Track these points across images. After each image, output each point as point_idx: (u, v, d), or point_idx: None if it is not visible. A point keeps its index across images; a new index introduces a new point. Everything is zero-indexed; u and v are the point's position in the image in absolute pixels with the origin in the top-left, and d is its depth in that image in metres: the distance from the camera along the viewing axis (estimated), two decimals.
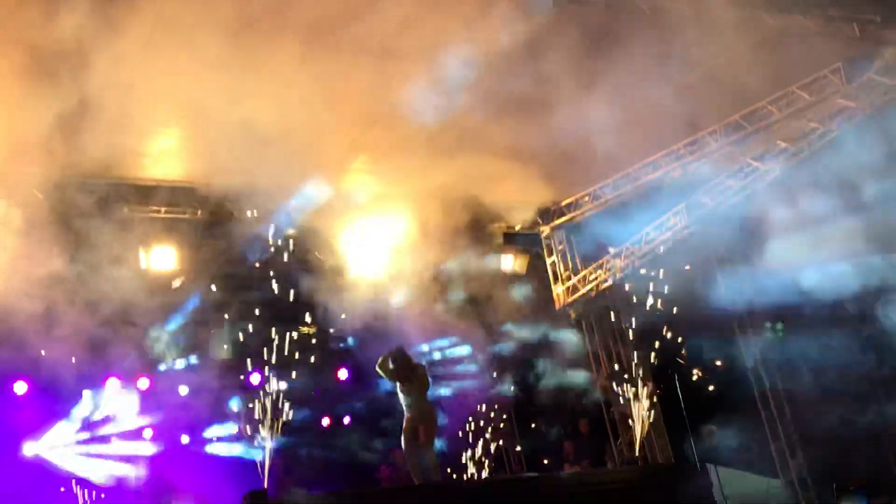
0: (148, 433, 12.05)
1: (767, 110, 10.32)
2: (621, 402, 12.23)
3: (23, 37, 7.60)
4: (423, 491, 8.06)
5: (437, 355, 12.21)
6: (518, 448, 13.20)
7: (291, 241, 10.84)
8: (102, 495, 11.29)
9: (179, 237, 10.70)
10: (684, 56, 8.84)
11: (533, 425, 13.11)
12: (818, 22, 9.03)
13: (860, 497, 9.46)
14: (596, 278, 12.32)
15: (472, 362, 12.59)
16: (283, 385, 11.64)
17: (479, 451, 12.36)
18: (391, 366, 8.37)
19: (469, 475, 12.17)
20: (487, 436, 12.59)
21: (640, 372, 12.02)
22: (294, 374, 11.67)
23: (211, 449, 12.49)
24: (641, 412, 11.84)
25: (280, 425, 11.16)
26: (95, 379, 11.44)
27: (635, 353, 12.09)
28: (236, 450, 12.27)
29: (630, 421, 12.01)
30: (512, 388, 12.98)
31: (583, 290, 12.34)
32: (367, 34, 8.19)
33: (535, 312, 12.34)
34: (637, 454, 11.60)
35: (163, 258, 10.73)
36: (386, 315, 11.01)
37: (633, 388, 11.98)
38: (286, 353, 11.13)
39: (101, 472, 11.56)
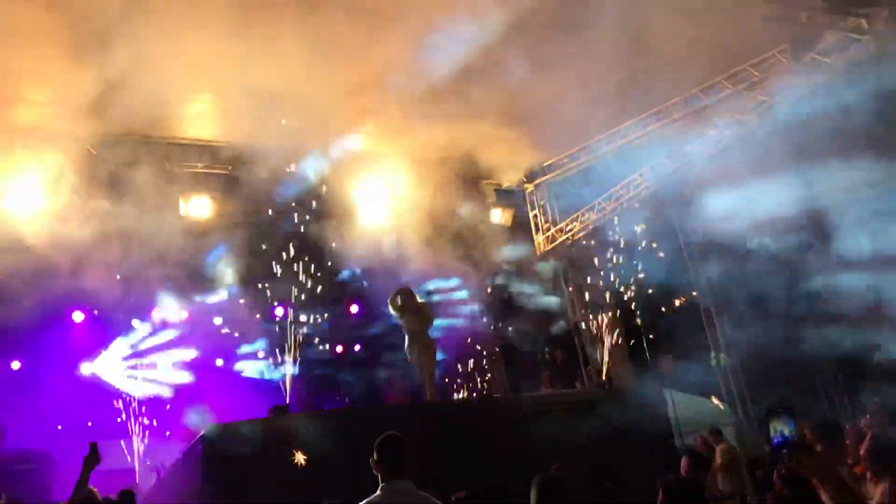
0: (186, 356, 12.22)
1: (723, 84, 10.71)
2: (591, 334, 12.50)
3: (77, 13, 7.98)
4: (417, 407, 8.25)
5: (437, 296, 12.02)
6: (502, 375, 13.37)
7: (311, 194, 11.10)
8: (143, 408, 11.75)
9: (213, 189, 11.04)
10: (648, 36, 9.27)
11: (516, 356, 13.28)
12: (772, 6, 9.27)
13: (788, 418, 9.83)
14: (572, 229, 12.67)
15: (466, 302, 12.57)
16: (304, 317, 11.94)
17: (470, 378, 12.59)
18: (399, 301, 8.33)
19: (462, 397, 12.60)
20: (478, 366, 12.81)
21: (608, 309, 12.36)
22: (313, 309, 11.81)
23: (242, 371, 12.72)
24: (608, 343, 12.13)
25: (300, 352, 11.38)
26: (142, 310, 11.79)
27: (606, 294, 12.36)
28: (264, 372, 12.52)
29: (598, 351, 12.31)
30: (499, 324, 13.13)
31: (560, 239, 12.69)
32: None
33: (520, 259, 12.49)
34: (604, 379, 11.73)
35: (199, 207, 11.06)
36: (393, 258, 11.08)
37: (602, 323, 12.23)
38: (307, 291, 11.24)
39: (145, 389, 11.90)
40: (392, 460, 3.25)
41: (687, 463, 5.42)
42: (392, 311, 8.43)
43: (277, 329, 11.58)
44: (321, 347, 12.55)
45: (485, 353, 12.84)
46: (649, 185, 11.20)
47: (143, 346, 11.99)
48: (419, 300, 8.53)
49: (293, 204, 10.97)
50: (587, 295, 12.59)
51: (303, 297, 11.25)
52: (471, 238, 11.79)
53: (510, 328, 12.99)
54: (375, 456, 3.30)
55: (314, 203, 11.01)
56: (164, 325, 12.01)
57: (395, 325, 9.30)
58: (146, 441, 11.27)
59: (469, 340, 12.77)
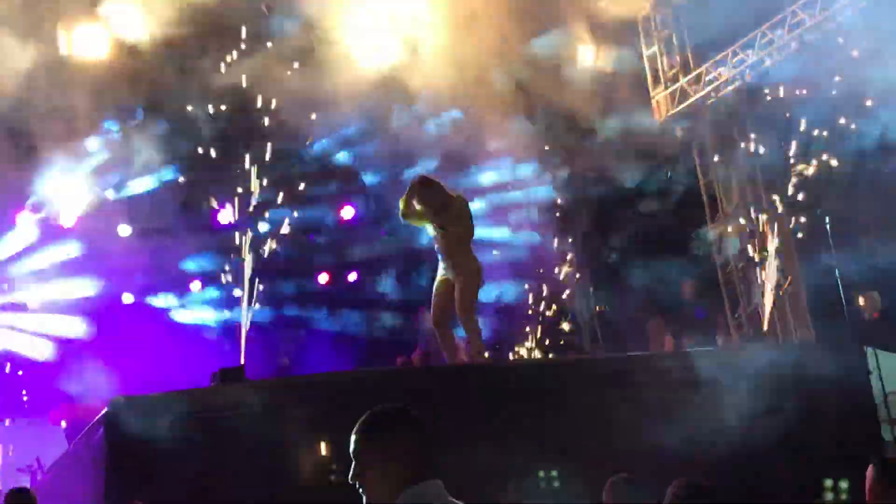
0: (78, 290, 12.03)
1: None
2: (744, 257, 11.73)
3: None
4: (450, 371, 7.91)
5: (488, 194, 12.01)
6: (590, 320, 13.08)
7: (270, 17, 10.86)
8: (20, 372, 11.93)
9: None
10: None
11: (613, 291, 12.85)
12: None
13: None
14: (716, 79, 11.82)
15: (532, 203, 12.48)
16: (264, 226, 11.69)
17: (539, 324, 12.46)
18: (419, 198, 8.09)
19: (524, 356, 12.24)
20: (550, 307, 12.60)
21: (775, 219, 11.35)
22: (282, 212, 11.69)
23: (167, 313, 12.62)
24: (774, 273, 11.28)
25: (261, 283, 11.30)
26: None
27: (773, 196, 11.46)
28: (204, 315, 12.49)
29: (755, 283, 11.52)
30: (586, 239, 12.86)
31: (695, 97, 12.02)
32: None
33: (625, 128, 11.93)
34: (765, 329, 11.20)
35: (91, 41, 10.70)
36: (413, 127, 10.78)
37: (763, 241, 11.43)
38: (266, 180, 11.11)
39: (9, 343, 11.90)
40: (410, 453, 3.12)
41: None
42: (406, 216, 8.29)
43: (225, 246, 11.44)
44: (296, 276, 12.37)
45: (567, 283, 12.67)
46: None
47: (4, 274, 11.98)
48: (452, 195, 8.27)
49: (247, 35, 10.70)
50: (737, 190, 11.83)
51: (263, 191, 11.12)
52: (546, 94, 11.26)
53: (608, 248, 12.58)
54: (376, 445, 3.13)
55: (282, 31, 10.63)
56: (41, 237, 11.83)
57: (416, 244, 9.35)
58: (12, 425, 11.53)
59: (540, 268, 12.61)
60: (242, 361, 10.04)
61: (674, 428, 6.85)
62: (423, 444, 3.22)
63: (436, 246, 8.26)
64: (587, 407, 7.11)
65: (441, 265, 8.23)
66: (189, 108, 11.09)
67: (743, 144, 11.92)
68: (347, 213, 12.96)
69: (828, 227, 10.37)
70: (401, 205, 8.23)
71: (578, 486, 6.20)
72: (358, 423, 3.23)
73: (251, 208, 11.37)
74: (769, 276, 11.41)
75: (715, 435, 7.00)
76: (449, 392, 6.89)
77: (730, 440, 6.97)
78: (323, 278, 13.22)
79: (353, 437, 3.25)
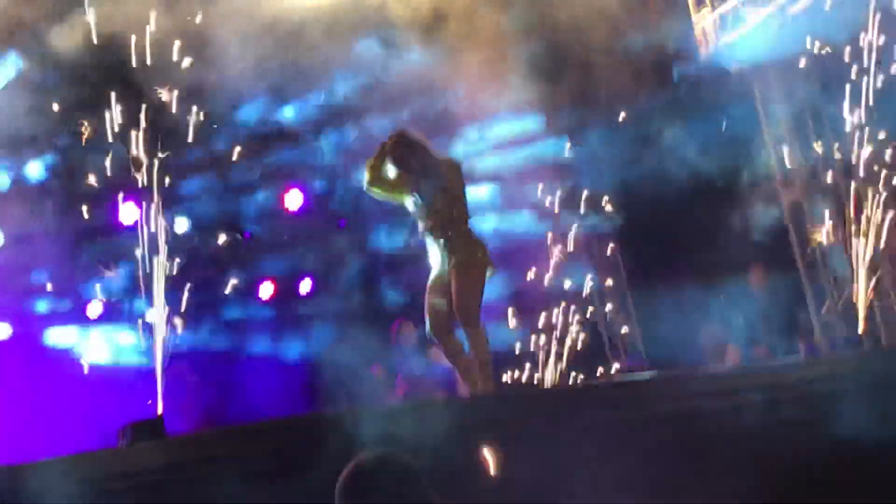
0: None
1: None
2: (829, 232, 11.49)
3: None
4: (453, 405, 8.03)
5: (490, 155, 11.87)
6: (627, 327, 13.28)
7: None
8: None
9: None
10: None
11: (657, 282, 12.68)
12: None
13: None
14: None
15: (545, 167, 12.41)
16: (184, 223, 11.74)
17: (559, 329, 12.49)
18: (392, 163, 8.16)
19: (537, 376, 12.26)
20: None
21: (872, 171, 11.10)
22: (201, 202, 11.75)
23: (59, 349, 12.19)
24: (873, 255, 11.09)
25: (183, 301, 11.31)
26: None
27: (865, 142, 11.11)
28: (102, 352, 12.14)
29: (850, 268, 11.28)
30: (617, 212, 12.89)
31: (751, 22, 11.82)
32: None
33: (659, 63, 12.05)
34: (863, 330, 10.97)
35: None
36: (388, 69, 10.97)
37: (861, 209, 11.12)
38: (182, 160, 11.08)
39: None
40: None
41: None
42: (374, 185, 8.28)
43: (129, 252, 11.10)
44: (228, 281, 12.30)
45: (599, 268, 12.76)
46: None
47: None
48: (439, 157, 8.31)
49: None
50: (819, 142, 11.67)
51: (177, 174, 11.06)
52: (560, 23, 11.10)
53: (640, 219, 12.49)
54: None
55: None
56: None
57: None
58: None
59: (560, 251, 12.64)
60: (160, 411, 9.95)
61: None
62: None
63: (420, 229, 8.20)
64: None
65: (431, 254, 8.16)
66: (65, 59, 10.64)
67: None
68: (294, 199, 12.64)
69: None
70: (367, 171, 8.13)
71: None
72: (339, 480, 3.20)
73: (158, 202, 11.08)
74: (863, 256, 11.34)
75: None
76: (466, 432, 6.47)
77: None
78: (266, 290, 12.86)
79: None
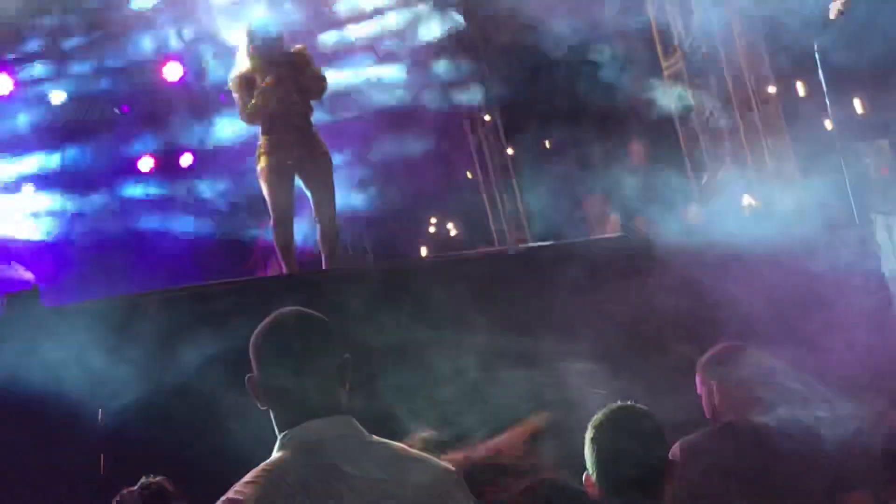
0: None
1: None
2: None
3: None
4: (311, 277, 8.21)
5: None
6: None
7: None
8: None
9: None
10: None
11: (541, 157, 12.60)
12: None
13: None
14: None
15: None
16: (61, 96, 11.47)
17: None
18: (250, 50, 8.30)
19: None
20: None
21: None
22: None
23: None
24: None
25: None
26: None
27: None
28: None
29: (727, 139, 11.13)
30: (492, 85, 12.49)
31: None
32: None
33: None
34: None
35: None
36: None
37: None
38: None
39: None
40: (296, 377, 3.09)
41: None
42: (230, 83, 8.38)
43: None
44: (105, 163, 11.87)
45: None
46: None
47: None
48: (295, 47, 8.43)
49: None
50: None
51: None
52: None
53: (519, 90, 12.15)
54: (258, 368, 3.15)
55: None
56: None
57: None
58: None
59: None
60: (33, 278, 9.90)
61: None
62: (312, 361, 3.10)
63: (279, 122, 8.16)
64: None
65: (286, 146, 8.13)
66: None
67: None
68: (172, 71, 12.12)
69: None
70: (234, 78, 8.20)
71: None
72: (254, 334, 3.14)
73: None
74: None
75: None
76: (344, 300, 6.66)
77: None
78: (146, 164, 12.62)
79: None
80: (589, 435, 3.68)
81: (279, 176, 8.08)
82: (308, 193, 8.29)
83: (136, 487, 4.16)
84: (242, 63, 8.29)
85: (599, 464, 3.59)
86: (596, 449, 3.63)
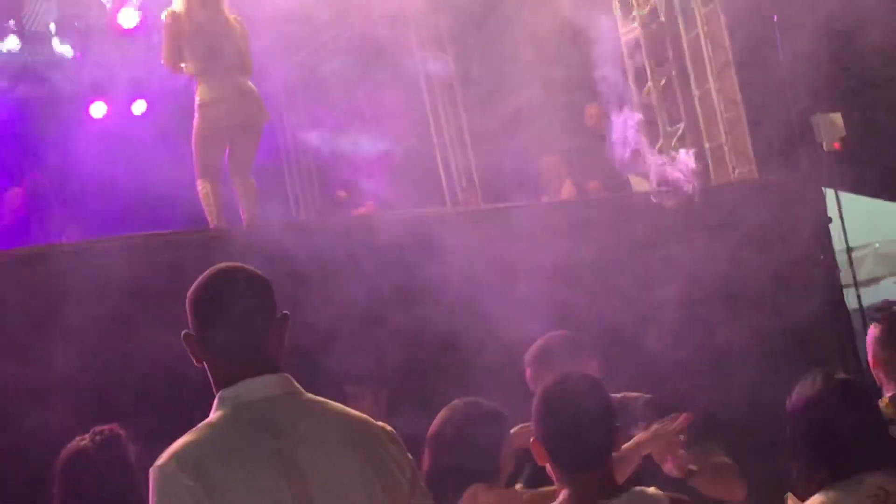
0: None
1: None
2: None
3: None
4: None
5: None
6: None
7: None
8: None
9: None
10: None
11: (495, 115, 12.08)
12: None
13: None
14: None
15: None
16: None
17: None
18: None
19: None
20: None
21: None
22: None
23: None
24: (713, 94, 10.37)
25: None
26: None
27: None
28: None
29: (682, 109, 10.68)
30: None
31: None
32: None
33: None
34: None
35: None
36: None
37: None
38: None
39: None
40: (235, 334, 3.03)
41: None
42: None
43: None
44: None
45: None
46: None
47: None
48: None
49: None
50: None
51: None
52: None
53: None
54: (195, 324, 3.10)
55: None
56: None
57: None
58: None
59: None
60: None
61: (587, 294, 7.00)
62: (248, 322, 3.06)
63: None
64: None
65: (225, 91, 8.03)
66: None
67: None
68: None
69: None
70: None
71: None
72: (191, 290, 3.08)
73: None
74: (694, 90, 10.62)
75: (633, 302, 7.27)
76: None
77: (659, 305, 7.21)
78: (98, 109, 12.24)
79: None
80: (536, 402, 3.64)
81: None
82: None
83: (87, 435, 4.08)
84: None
85: (544, 434, 3.56)
86: (541, 418, 3.59)
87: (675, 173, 8.96)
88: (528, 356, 4.67)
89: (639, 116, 9.82)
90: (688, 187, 8.98)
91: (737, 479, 4.41)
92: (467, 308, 6.73)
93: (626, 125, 9.36)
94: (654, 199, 8.82)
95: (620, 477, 3.73)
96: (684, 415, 4.24)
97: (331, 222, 10.09)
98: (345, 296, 6.51)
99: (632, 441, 4.04)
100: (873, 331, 5.07)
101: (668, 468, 4.06)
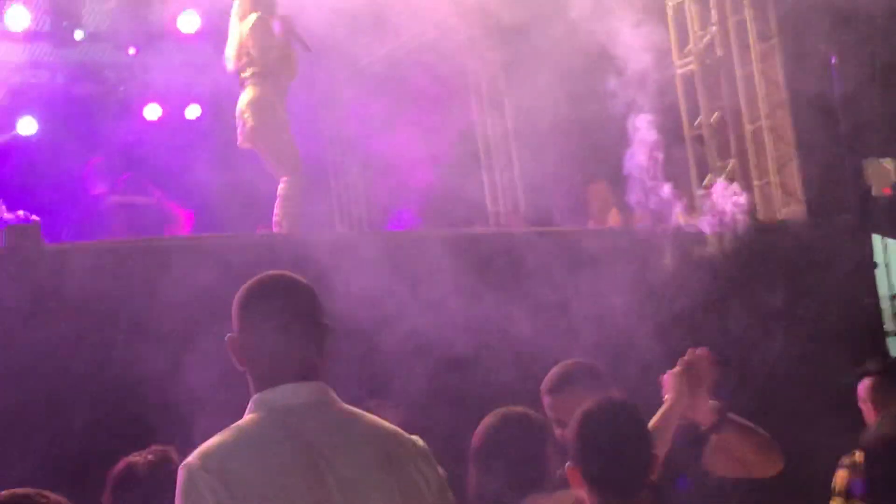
0: None
1: None
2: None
3: None
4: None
5: None
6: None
7: None
8: None
9: None
10: None
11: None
12: None
13: None
14: None
15: None
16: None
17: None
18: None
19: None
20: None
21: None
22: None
23: None
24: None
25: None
26: None
27: None
28: None
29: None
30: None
31: None
32: None
33: None
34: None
35: None
36: None
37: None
38: None
39: None
40: (274, 339, 3.05)
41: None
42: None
43: None
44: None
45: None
46: None
47: None
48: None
49: None
50: None
51: None
52: None
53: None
54: (240, 328, 3.12)
55: None
56: None
57: None
58: None
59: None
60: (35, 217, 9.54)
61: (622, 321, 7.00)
62: (292, 329, 3.06)
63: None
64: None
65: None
66: None
67: None
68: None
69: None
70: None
71: None
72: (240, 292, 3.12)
73: None
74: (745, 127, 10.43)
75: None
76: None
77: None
78: (153, 111, 12.20)
79: None
80: (576, 427, 3.62)
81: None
82: None
83: (142, 452, 4.10)
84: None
85: (585, 459, 3.53)
86: (582, 444, 3.56)
87: (725, 204, 8.86)
88: (547, 384, 4.61)
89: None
90: (736, 220, 8.88)
91: (774, 448, 4.30)
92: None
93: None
94: (701, 229, 8.64)
95: (661, 450, 3.75)
96: (698, 351, 4.23)
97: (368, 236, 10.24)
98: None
99: (659, 412, 4.03)
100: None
101: (700, 417, 4.04)
